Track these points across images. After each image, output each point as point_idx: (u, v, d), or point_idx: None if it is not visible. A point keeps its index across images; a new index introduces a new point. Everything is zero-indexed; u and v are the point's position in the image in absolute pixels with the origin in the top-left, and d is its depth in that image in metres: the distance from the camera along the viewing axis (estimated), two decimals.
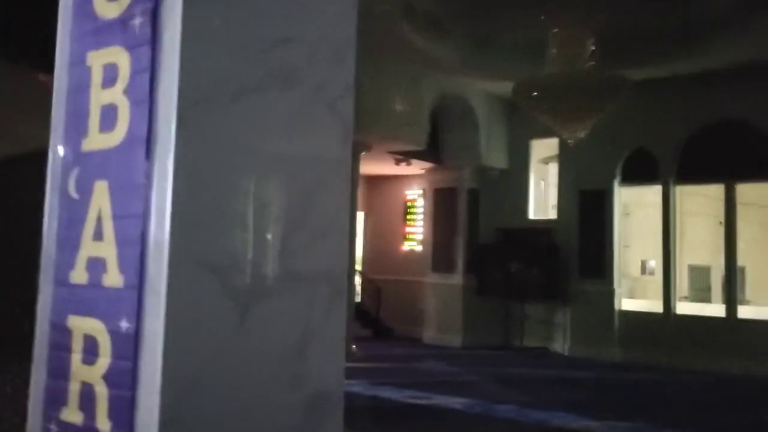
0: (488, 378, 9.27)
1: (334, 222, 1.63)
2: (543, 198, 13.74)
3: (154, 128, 1.35)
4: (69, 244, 1.49)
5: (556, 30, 6.55)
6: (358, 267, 14.60)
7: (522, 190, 13.13)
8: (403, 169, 13.40)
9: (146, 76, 1.36)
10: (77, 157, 1.50)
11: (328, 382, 1.61)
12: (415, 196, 14.73)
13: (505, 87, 10.75)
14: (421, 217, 14.43)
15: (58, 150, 1.57)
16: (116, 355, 1.36)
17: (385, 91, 10.07)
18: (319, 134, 1.61)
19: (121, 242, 1.37)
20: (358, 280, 14.52)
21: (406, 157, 11.97)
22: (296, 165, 1.55)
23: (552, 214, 13.03)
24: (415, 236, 14.64)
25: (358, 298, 14.42)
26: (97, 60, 1.47)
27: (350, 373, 9.21)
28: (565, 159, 12.42)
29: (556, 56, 6.54)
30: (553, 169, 13.26)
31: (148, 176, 1.34)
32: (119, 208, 1.38)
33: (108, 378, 1.36)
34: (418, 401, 7.63)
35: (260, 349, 1.47)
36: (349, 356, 10.22)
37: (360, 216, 14.85)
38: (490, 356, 11.59)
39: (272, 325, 1.50)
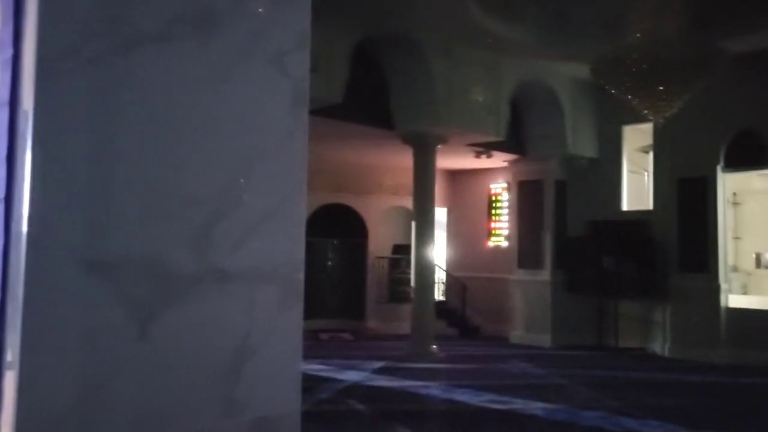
0: (577, 381, 8.65)
1: (279, 207, 1.31)
2: (645, 190, 12.78)
3: (19, 89, 1.07)
4: None
5: None
6: (442, 264, 14.22)
7: (614, 179, 12.30)
8: (485, 162, 12.89)
9: (10, 24, 1.08)
10: None
11: (275, 405, 1.29)
12: (500, 189, 14.16)
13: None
14: (506, 211, 13.85)
15: None
16: None
17: (459, 80, 9.62)
18: (257, 97, 1.29)
19: None
20: (441, 277, 14.14)
21: (485, 149, 11.46)
22: (224, 135, 1.24)
23: (648, 206, 12.11)
24: (501, 231, 14.07)
25: (441, 296, 14.05)
26: None
27: (428, 375, 8.88)
28: (661, 145, 11.50)
29: (639, 27, 5.91)
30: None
31: (12, 149, 1.07)
32: None
33: None
34: (497, 406, 7.17)
35: (174, 369, 1.16)
36: (429, 357, 9.89)
37: (442, 212, 14.45)
38: (581, 357, 10.90)
39: (191, 337, 1.19)
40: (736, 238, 13.45)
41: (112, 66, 1.09)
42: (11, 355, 1.01)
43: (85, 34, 1.06)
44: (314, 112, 8.60)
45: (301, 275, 1.35)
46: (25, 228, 1.01)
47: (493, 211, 14.26)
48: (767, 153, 10.40)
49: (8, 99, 1.07)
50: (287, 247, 1.32)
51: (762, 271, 18.44)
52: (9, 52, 1.07)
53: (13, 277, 1.04)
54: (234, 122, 1.25)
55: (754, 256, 18.25)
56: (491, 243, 14.19)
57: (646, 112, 6.22)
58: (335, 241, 13.89)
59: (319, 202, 12.63)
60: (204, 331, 1.20)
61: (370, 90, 9.39)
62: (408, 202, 11.93)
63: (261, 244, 1.28)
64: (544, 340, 11.98)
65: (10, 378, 1.01)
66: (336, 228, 13.50)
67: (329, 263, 13.85)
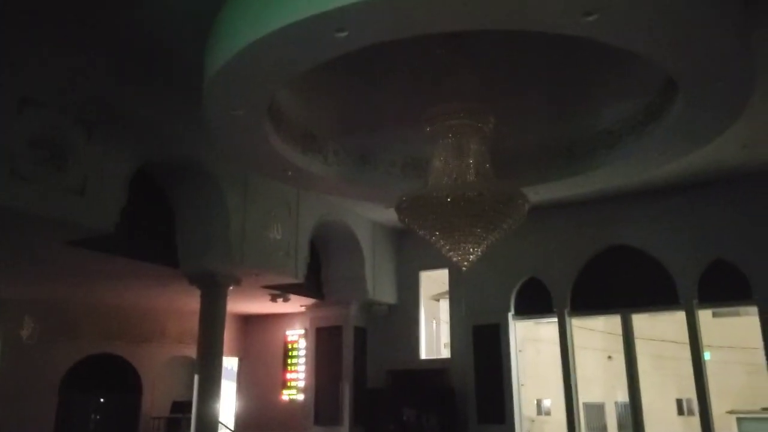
0: None
1: None
2: (435, 338, 12.70)
3: None
4: None
5: (443, 140, 5.85)
6: (230, 422, 12.61)
7: (413, 326, 12.04)
8: (281, 307, 12.00)
9: None
10: None
11: None
12: (296, 336, 13.23)
13: (389, 214, 9.93)
14: (303, 360, 12.87)
15: None
16: None
17: (256, 215, 8.87)
18: None
19: None
20: None
21: (282, 292, 10.63)
22: None
23: (444, 354, 11.94)
24: (297, 383, 12.96)
25: None
26: None
27: None
28: (456, 292, 11.57)
29: (443, 169, 5.77)
30: (445, 305, 12.37)
31: None
32: None
33: None
34: None
35: None
36: None
37: (233, 362, 13.08)
38: None
39: None
40: (520, 385, 13.74)
41: None
42: None
43: None
44: (80, 243, 7.23)
45: None
46: None
47: (289, 361, 13.20)
48: (551, 301, 10.83)
49: None
50: None
51: (543, 417, 19.04)
52: None
53: None
54: None
55: (535, 402, 18.88)
56: (285, 396, 12.96)
57: (451, 254, 5.95)
58: (102, 399, 11.75)
59: (83, 352, 10.73)
60: None
61: (153, 221, 8.27)
62: (194, 351, 10.52)
63: None
64: None
65: None
66: (104, 383, 11.47)
67: (92, 427, 11.58)
